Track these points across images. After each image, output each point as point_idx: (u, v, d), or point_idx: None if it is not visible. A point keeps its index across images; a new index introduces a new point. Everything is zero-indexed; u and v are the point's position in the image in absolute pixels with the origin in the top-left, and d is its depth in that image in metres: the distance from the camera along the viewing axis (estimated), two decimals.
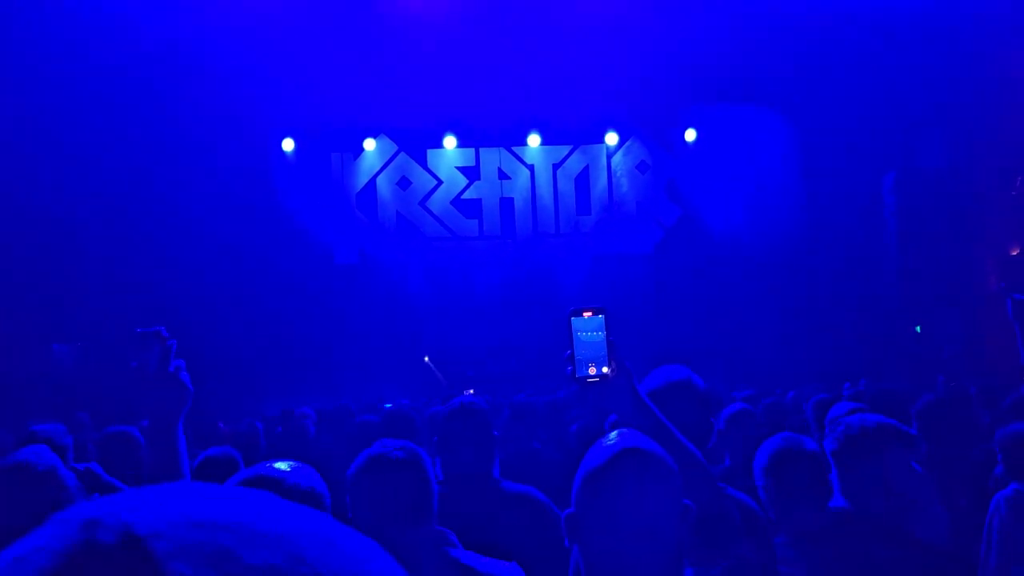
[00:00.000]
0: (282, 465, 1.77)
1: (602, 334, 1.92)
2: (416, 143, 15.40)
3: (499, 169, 15.47)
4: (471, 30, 12.72)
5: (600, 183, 15.55)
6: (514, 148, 15.47)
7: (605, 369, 1.91)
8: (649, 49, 12.79)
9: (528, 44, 12.90)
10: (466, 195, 15.45)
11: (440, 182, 15.41)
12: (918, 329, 13.44)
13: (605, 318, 1.94)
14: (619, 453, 1.59)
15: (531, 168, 15.52)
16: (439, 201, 15.41)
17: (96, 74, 11.88)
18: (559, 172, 15.57)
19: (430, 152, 15.42)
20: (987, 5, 10.93)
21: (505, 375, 13.23)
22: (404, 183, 15.46)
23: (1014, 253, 12.82)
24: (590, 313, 1.95)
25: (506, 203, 15.53)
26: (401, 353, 13.78)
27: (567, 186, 15.57)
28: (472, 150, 15.43)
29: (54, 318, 12.12)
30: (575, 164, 15.58)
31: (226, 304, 13.18)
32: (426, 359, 13.85)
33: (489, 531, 2.72)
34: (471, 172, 15.46)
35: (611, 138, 15.30)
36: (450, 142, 15.15)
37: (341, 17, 12.52)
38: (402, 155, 15.45)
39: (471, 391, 13.72)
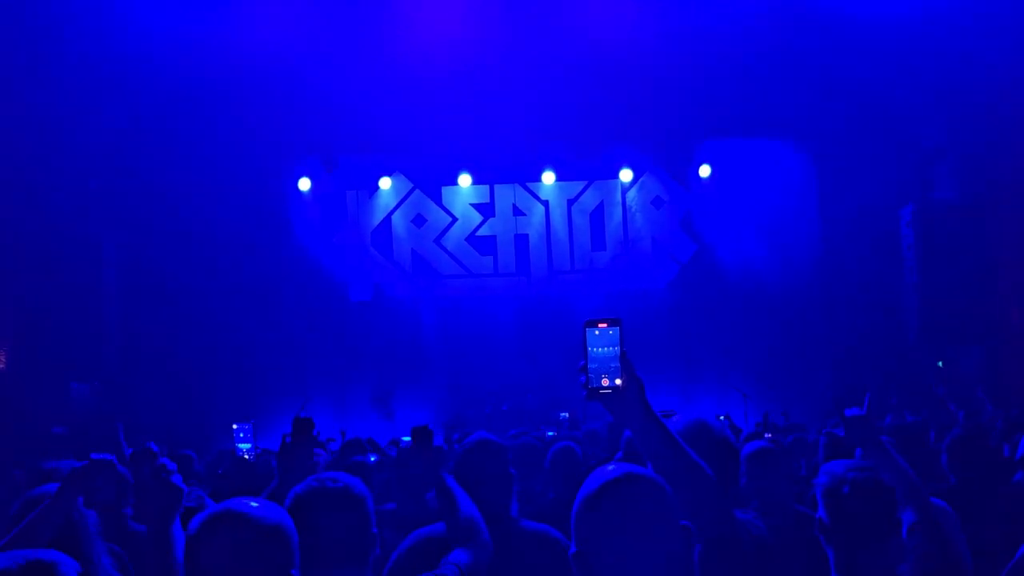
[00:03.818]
0: (251, 500, 1.82)
1: (616, 346, 1.91)
2: (431, 181, 15.49)
3: (514, 206, 15.52)
4: (485, 68, 12.85)
5: (615, 219, 15.57)
6: (529, 184, 15.53)
7: (618, 381, 1.89)
8: (663, 85, 12.86)
9: (542, 81, 13.00)
10: (481, 232, 15.50)
11: (455, 219, 15.48)
12: (940, 364, 13.28)
13: (620, 330, 1.92)
14: (607, 483, 1.61)
15: (546, 204, 15.56)
16: (454, 238, 15.46)
17: (117, 116, 12.06)
18: (574, 208, 15.60)
19: (445, 189, 15.50)
20: (1005, 36, 10.94)
21: (520, 411, 13.15)
22: (419, 220, 15.54)
23: None
24: (605, 324, 1.93)
25: (521, 239, 15.55)
26: (416, 390, 13.74)
27: (582, 222, 15.60)
28: (486, 187, 15.50)
29: (72, 356, 12.17)
30: (590, 200, 15.61)
31: (243, 341, 13.23)
32: None
33: (506, 570, 2.68)
34: (486, 209, 15.52)
35: (625, 174, 15.33)
36: (465, 179, 15.23)
37: (356, 58, 12.67)
38: (417, 193, 15.54)
39: None
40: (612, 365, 1.90)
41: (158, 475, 2.16)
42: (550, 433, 8.44)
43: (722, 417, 9.36)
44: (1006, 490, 3.94)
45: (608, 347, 1.91)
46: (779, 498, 3.73)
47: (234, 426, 4.85)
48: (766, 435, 7.40)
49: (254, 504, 1.77)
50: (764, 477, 3.74)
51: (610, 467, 1.66)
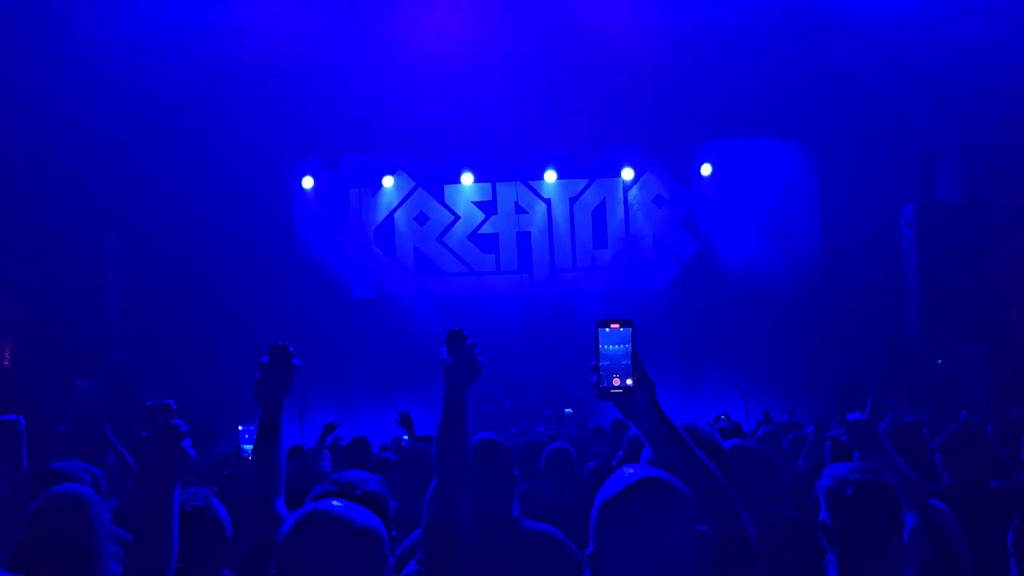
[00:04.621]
0: (337, 502, 1.76)
1: (628, 346, 1.93)
2: (433, 179, 15.52)
3: (516, 203, 15.55)
4: (487, 67, 12.87)
5: (617, 217, 15.59)
6: (531, 182, 15.55)
7: (629, 381, 1.91)
8: (665, 84, 12.87)
9: (544, 80, 13.02)
10: (483, 230, 15.53)
11: (457, 217, 15.50)
12: (939, 361, 13.31)
13: (632, 330, 1.94)
14: (631, 485, 1.62)
15: (548, 202, 15.59)
16: (456, 236, 15.50)
17: (120, 114, 12.10)
18: (576, 206, 15.62)
19: (447, 187, 15.53)
20: (1006, 36, 10.94)
21: (523, 409, 13.18)
22: (422, 218, 15.57)
23: None
24: (617, 325, 1.95)
25: (523, 237, 15.58)
26: (418, 388, 13.76)
27: (584, 220, 15.62)
28: (489, 185, 15.53)
29: (76, 354, 12.22)
30: (592, 198, 15.63)
31: (245, 339, 13.23)
32: None
33: (509, 570, 2.72)
34: (488, 207, 15.55)
35: (627, 173, 15.35)
36: (467, 177, 15.26)
37: (359, 57, 12.69)
38: (420, 191, 15.57)
39: None
40: (623, 364, 1.92)
41: (169, 434, 2.08)
42: (546, 431, 8.48)
43: (724, 416, 9.39)
44: (1000, 488, 3.96)
45: (620, 347, 1.93)
46: (754, 496, 3.74)
47: (240, 427, 4.85)
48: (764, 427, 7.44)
49: (340, 504, 1.72)
50: (739, 474, 3.74)
51: (629, 470, 1.68)
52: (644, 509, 1.59)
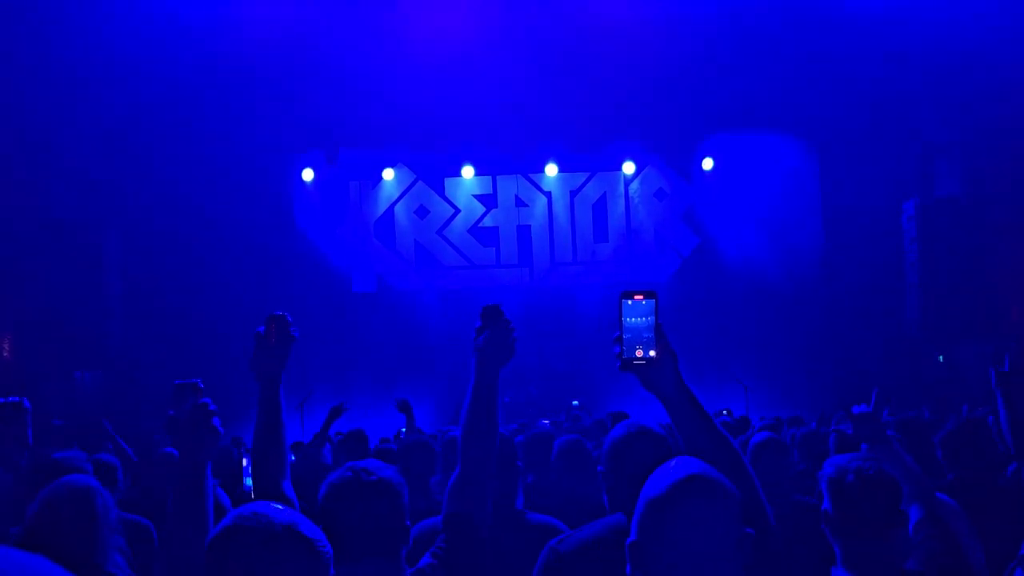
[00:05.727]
0: (279, 506, 1.61)
1: (651, 318, 1.92)
2: (434, 172, 15.49)
3: (516, 196, 15.53)
4: (488, 60, 12.84)
5: (617, 211, 15.57)
6: (531, 176, 15.53)
7: (652, 352, 1.91)
8: (666, 78, 12.85)
9: (545, 73, 13.00)
10: (483, 223, 15.50)
11: (457, 210, 15.48)
12: (941, 358, 13.30)
13: (655, 302, 1.94)
14: (683, 480, 1.59)
15: (548, 196, 15.56)
16: (457, 229, 15.47)
17: (120, 106, 12.07)
18: (576, 199, 15.60)
19: (448, 180, 15.50)
20: (1007, 31, 10.92)
21: (523, 403, 13.18)
22: (422, 212, 15.55)
23: None
24: (641, 296, 1.94)
25: (523, 231, 15.56)
26: (418, 382, 13.76)
27: (584, 213, 15.60)
28: (489, 178, 15.50)
29: (76, 345, 12.21)
30: (592, 191, 15.61)
31: (244, 332, 13.21)
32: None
33: (513, 563, 2.71)
34: (488, 200, 15.53)
35: (628, 166, 15.33)
36: (467, 171, 15.23)
37: (360, 50, 12.67)
38: (420, 184, 15.55)
39: None
40: (646, 336, 1.91)
41: (197, 413, 2.08)
42: (547, 423, 8.50)
43: (726, 411, 9.40)
44: (1004, 483, 3.96)
45: (643, 318, 1.92)
46: (775, 487, 3.74)
47: None
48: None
49: (280, 507, 1.58)
50: (767, 467, 3.78)
51: (674, 463, 1.65)
52: (692, 506, 1.56)
